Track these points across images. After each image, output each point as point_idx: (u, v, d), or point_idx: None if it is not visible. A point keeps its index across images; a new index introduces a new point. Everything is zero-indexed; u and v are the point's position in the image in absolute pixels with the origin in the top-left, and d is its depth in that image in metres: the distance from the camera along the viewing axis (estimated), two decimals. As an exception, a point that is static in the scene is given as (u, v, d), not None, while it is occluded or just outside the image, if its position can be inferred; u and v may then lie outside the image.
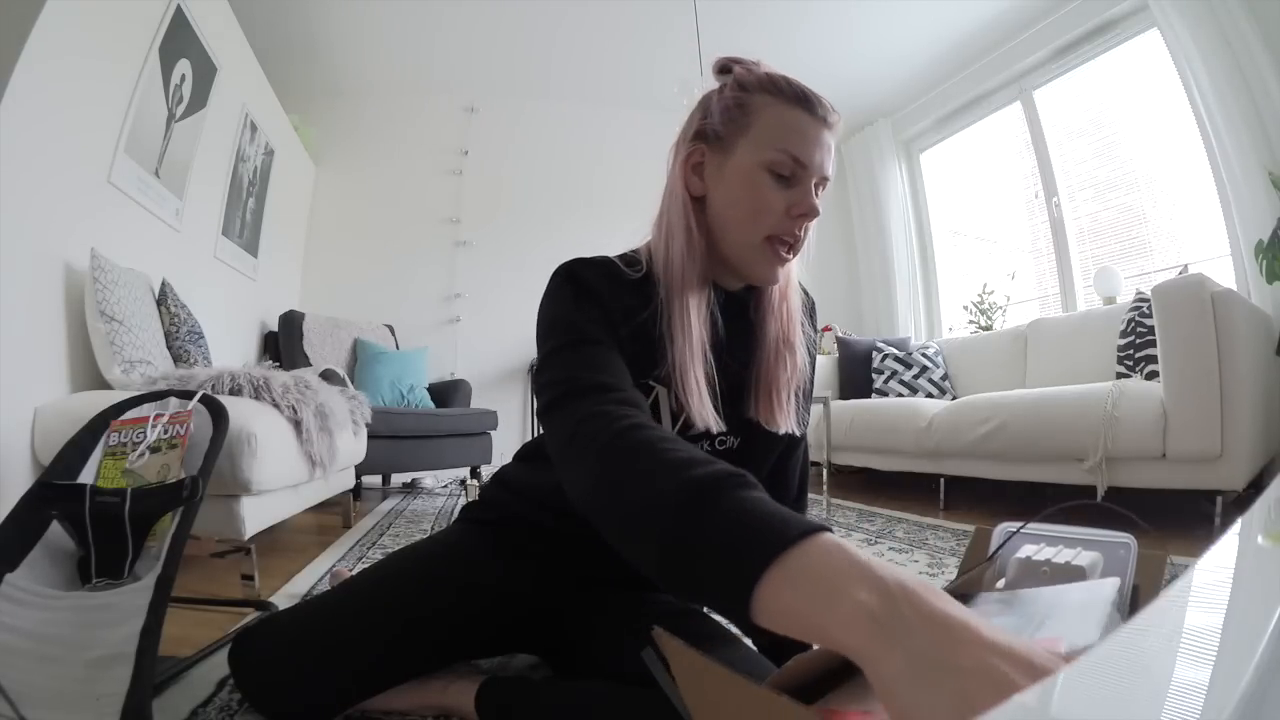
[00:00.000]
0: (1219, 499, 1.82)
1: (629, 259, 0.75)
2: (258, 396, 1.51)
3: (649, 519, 0.43)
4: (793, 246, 0.71)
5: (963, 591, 0.56)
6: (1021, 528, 0.62)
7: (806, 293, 0.86)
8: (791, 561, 0.36)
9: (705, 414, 0.69)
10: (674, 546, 0.41)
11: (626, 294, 0.71)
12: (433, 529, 2.15)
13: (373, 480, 3.28)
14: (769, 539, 0.37)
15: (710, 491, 0.42)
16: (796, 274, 0.80)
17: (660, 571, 0.42)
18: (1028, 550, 0.58)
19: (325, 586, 1.39)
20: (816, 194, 0.71)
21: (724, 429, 0.73)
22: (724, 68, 0.74)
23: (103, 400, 1.17)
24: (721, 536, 0.39)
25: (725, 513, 0.40)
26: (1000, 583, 0.58)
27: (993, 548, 0.63)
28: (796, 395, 0.79)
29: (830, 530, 0.37)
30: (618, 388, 0.59)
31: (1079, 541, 0.59)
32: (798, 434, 0.80)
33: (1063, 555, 0.56)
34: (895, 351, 3.30)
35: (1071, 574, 0.54)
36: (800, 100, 0.69)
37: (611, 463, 0.49)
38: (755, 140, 0.69)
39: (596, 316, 0.68)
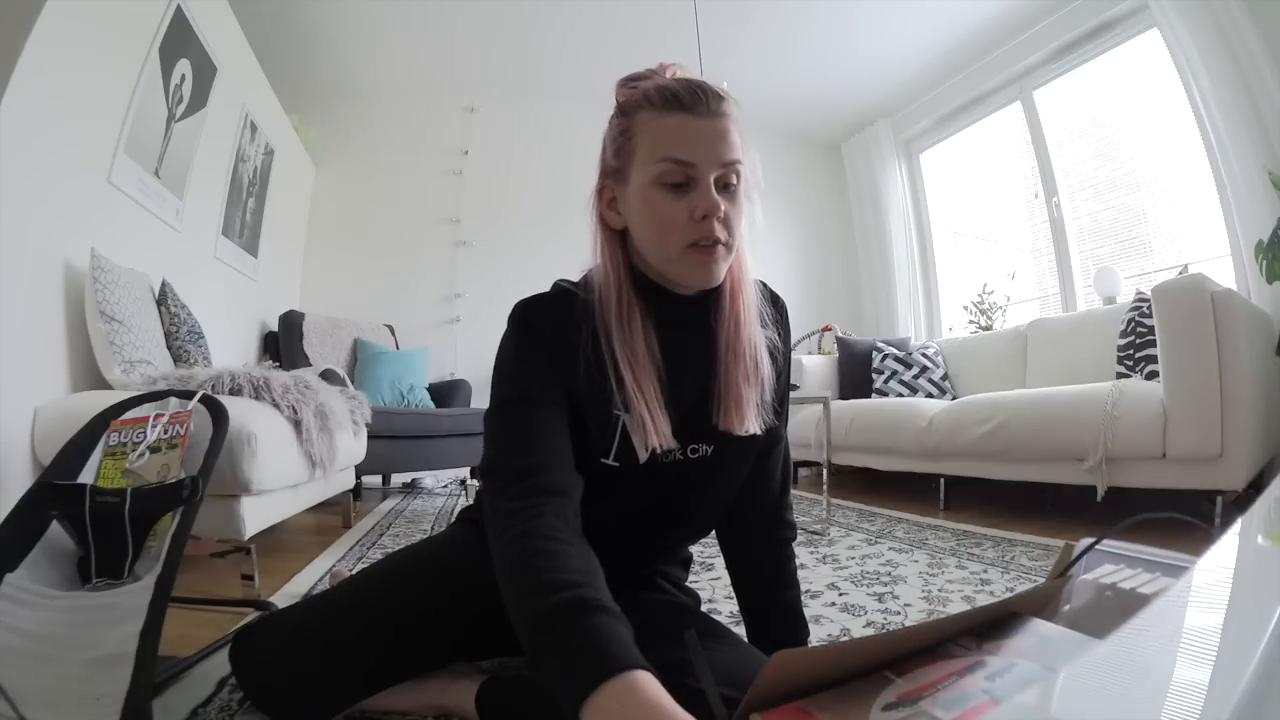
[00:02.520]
0: (1219, 499, 1.82)
1: (583, 285, 0.76)
2: (258, 396, 1.51)
3: (520, 628, 0.54)
4: (718, 245, 0.69)
5: (1016, 609, 0.51)
6: (1094, 544, 0.57)
7: (769, 290, 0.85)
8: (598, 700, 0.45)
9: (658, 439, 0.71)
10: (531, 660, 0.52)
11: (578, 330, 0.72)
12: (433, 529, 2.15)
13: (373, 480, 3.28)
14: (580, 681, 0.46)
15: (555, 621, 0.51)
16: (749, 274, 0.78)
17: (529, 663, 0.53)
18: (1102, 570, 0.54)
19: (325, 586, 1.39)
20: (731, 179, 0.70)
21: (675, 446, 0.73)
22: (616, 93, 0.75)
23: (103, 400, 1.17)
24: (556, 664, 0.49)
25: (562, 643, 0.50)
26: (1066, 606, 0.54)
27: (1067, 565, 0.58)
28: (761, 397, 0.77)
29: (639, 668, 0.46)
30: (534, 471, 0.65)
31: (1159, 565, 0.54)
32: (760, 432, 0.78)
33: (1130, 580, 0.52)
34: (895, 351, 3.30)
35: (1134, 601, 0.50)
36: (673, 103, 0.68)
37: (503, 565, 0.60)
38: (641, 160, 0.70)
39: (542, 367, 0.71)
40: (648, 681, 0.46)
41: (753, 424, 0.76)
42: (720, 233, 0.69)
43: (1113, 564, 0.56)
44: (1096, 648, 0.43)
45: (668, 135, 0.68)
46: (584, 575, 0.55)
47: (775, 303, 0.86)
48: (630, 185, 0.71)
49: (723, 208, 0.68)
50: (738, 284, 0.77)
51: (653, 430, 0.70)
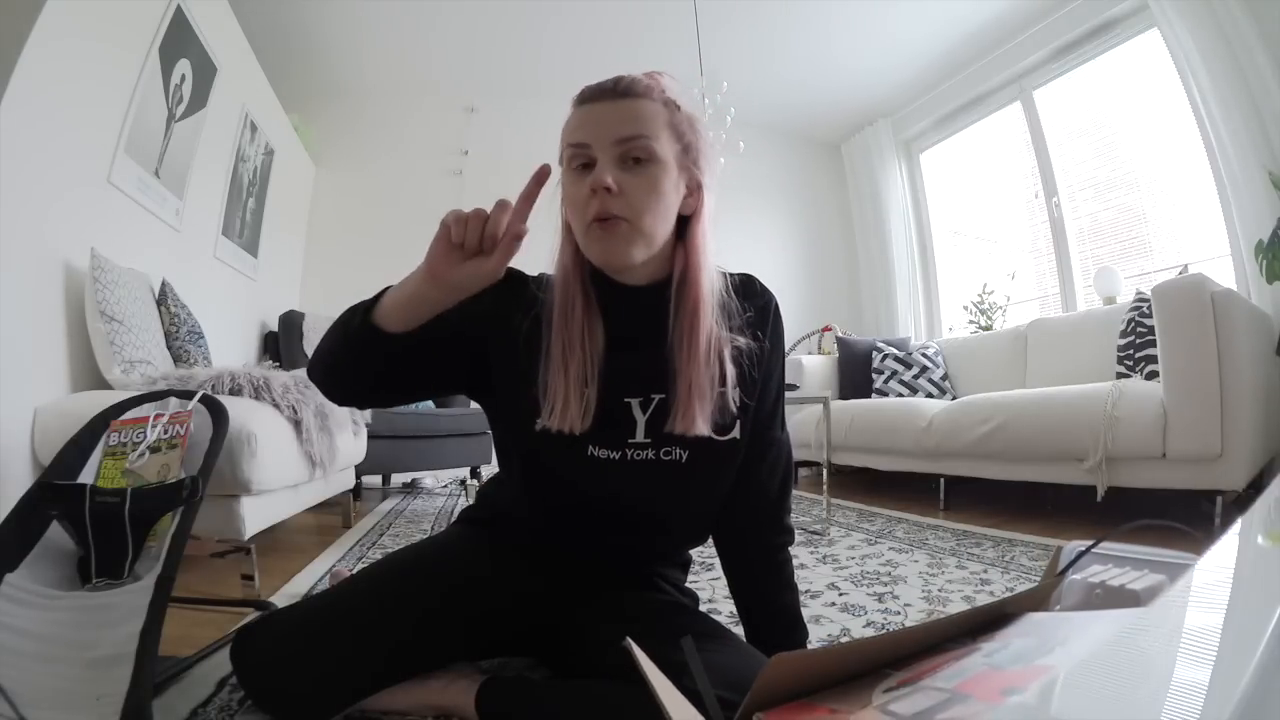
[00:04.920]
0: (1219, 499, 1.82)
1: (544, 280, 0.80)
2: (258, 396, 1.51)
3: (339, 348, 0.75)
4: (615, 220, 0.70)
5: (1008, 610, 0.52)
6: (1090, 548, 0.59)
7: (746, 284, 0.83)
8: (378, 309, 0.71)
9: (564, 422, 0.73)
10: (344, 345, 0.74)
11: (521, 304, 0.77)
12: (433, 529, 2.15)
13: (373, 480, 3.28)
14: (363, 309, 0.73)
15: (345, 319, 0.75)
16: (707, 265, 0.76)
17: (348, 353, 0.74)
18: (1091, 570, 0.55)
19: (325, 586, 1.39)
20: (640, 155, 0.71)
21: (582, 429, 0.74)
22: None
23: (103, 400, 1.17)
24: (350, 324, 0.75)
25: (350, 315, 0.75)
26: (1057, 606, 0.55)
27: (1060, 567, 0.60)
28: (724, 397, 0.76)
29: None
30: None
31: (1146, 563, 0.55)
32: (708, 433, 0.76)
33: (1119, 578, 0.52)
34: (895, 351, 3.30)
35: (1124, 598, 0.50)
36: (581, 96, 0.75)
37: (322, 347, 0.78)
38: (562, 152, 0.76)
39: (455, 315, 0.72)
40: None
41: (703, 426, 0.74)
42: (614, 206, 0.70)
43: (1101, 564, 0.56)
44: (1089, 622, 0.44)
45: (571, 124, 0.74)
46: None
47: (756, 299, 0.83)
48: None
49: (610, 180, 0.69)
50: (693, 275, 0.75)
51: (560, 412, 0.73)
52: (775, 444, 0.87)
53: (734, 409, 0.77)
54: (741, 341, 0.78)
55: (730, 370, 0.77)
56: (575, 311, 0.75)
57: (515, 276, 0.80)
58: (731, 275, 0.82)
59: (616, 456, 0.77)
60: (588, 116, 0.73)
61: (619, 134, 0.71)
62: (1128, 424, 1.90)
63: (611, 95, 0.72)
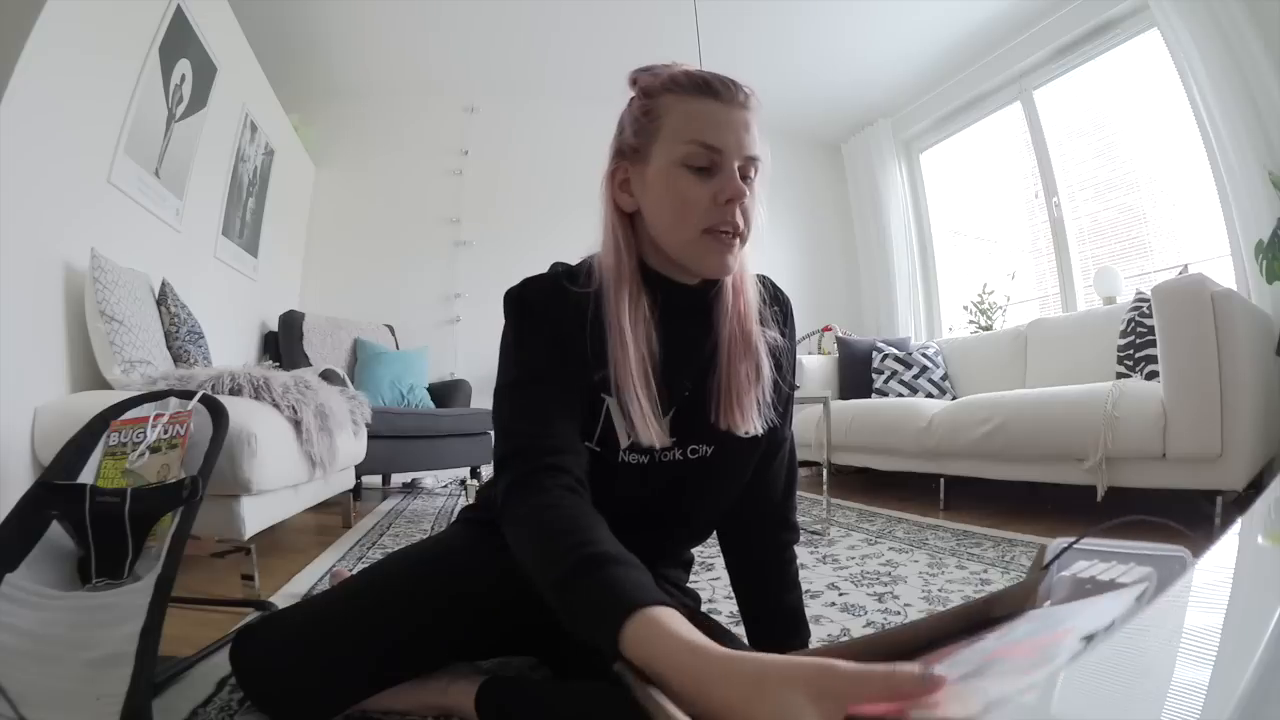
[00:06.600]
0: (1219, 499, 1.81)
1: (582, 269, 0.76)
2: (258, 396, 1.51)
3: (545, 591, 0.56)
4: (734, 233, 0.70)
5: (995, 613, 0.53)
6: (1072, 543, 0.58)
7: (773, 286, 0.85)
8: (629, 631, 0.46)
9: (649, 432, 0.70)
10: (561, 610, 0.54)
11: (574, 308, 0.72)
12: (433, 529, 2.15)
13: (373, 480, 3.28)
14: (609, 623, 0.48)
15: (576, 576, 0.53)
16: (751, 268, 0.79)
17: (560, 618, 0.55)
18: (1078, 567, 0.55)
19: (325, 586, 1.39)
20: (750, 173, 0.71)
21: (670, 443, 0.74)
22: (632, 80, 0.75)
23: (103, 400, 1.17)
24: (585, 615, 0.51)
25: (586, 595, 0.52)
26: (1047, 602, 0.54)
27: (1045, 564, 0.60)
28: (763, 395, 0.77)
29: (661, 603, 0.48)
30: (552, 449, 0.66)
31: (1133, 557, 0.55)
32: (761, 431, 0.77)
33: (1109, 572, 0.53)
34: (895, 351, 3.30)
35: (1114, 591, 0.50)
36: (703, 89, 0.69)
37: (521, 537, 0.61)
38: (666, 141, 0.70)
39: (541, 343, 0.71)
40: (669, 614, 0.47)
41: (755, 422, 0.76)
42: (740, 220, 0.69)
43: (1086, 559, 0.56)
44: (1093, 604, 0.43)
45: (696, 118, 0.69)
46: (597, 533, 0.57)
47: (780, 300, 0.85)
48: (651, 165, 0.71)
49: (746, 196, 0.69)
50: (741, 279, 0.77)
51: (644, 424, 0.70)
52: (783, 442, 0.88)
53: (768, 402, 0.79)
54: (777, 339, 0.81)
55: (768, 366, 0.78)
56: (640, 314, 0.72)
57: (552, 289, 0.74)
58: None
59: (646, 460, 0.77)
60: (721, 118, 0.69)
61: (750, 151, 0.70)
62: (1128, 424, 1.90)
63: (736, 102, 0.69)
